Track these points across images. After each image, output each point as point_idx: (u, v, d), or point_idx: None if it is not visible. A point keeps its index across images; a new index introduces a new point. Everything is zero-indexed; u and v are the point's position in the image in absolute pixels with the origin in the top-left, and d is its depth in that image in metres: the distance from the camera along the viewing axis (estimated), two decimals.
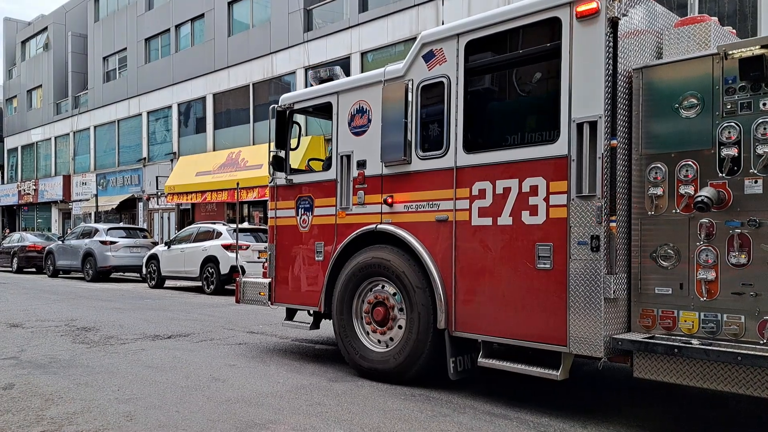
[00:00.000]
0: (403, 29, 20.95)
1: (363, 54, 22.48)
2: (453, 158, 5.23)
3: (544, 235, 4.58)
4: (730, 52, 4.06)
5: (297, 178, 6.84)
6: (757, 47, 3.95)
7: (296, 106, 6.92)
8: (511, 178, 4.79)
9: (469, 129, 5.19)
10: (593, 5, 4.38)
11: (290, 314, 6.99)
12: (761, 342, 3.80)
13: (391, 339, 5.69)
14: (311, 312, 6.69)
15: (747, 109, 3.99)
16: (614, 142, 4.34)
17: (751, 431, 4.51)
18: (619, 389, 5.74)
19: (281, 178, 6.94)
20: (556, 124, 4.58)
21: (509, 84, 5.31)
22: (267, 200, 7.60)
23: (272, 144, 6.92)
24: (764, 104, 3.91)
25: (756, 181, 3.92)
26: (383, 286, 5.80)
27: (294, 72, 24.63)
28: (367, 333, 5.92)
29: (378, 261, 5.73)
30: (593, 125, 4.36)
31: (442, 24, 5.56)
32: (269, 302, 7.00)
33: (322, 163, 7.00)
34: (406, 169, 5.60)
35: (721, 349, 3.83)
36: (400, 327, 5.62)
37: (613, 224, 4.31)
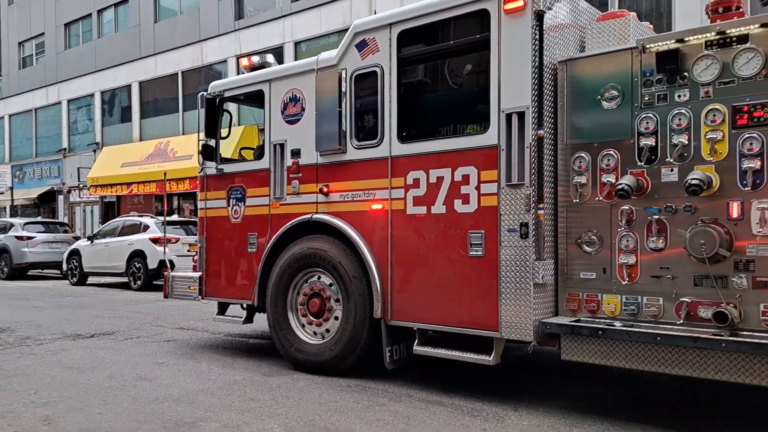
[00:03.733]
0: (336, 20, 20.80)
1: (296, 44, 22.19)
2: (388, 148, 5.24)
3: (476, 223, 4.67)
4: (648, 46, 4.25)
5: (228, 168, 6.68)
6: (673, 41, 4.16)
7: (227, 94, 6.75)
8: (444, 168, 4.86)
9: (403, 119, 5.21)
10: None
11: (222, 309, 6.83)
12: (678, 322, 4.01)
13: (327, 330, 5.66)
14: (244, 306, 6.57)
15: (663, 100, 4.19)
16: (541, 132, 4.47)
17: (668, 408, 4.78)
18: (549, 371, 5.95)
19: (211, 168, 6.76)
20: (486, 114, 4.67)
21: (442, 74, 5.37)
22: (197, 191, 7.39)
23: (202, 133, 6.73)
24: (679, 96, 4.12)
25: (672, 170, 4.13)
26: (319, 277, 5.76)
27: (225, 60, 24.02)
28: (303, 325, 5.87)
29: (314, 251, 5.69)
30: (521, 115, 4.47)
31: (375, 14, 5.58)
32: (200, 297, 6.82)
33: (254, 152, 6.86)
34: (342, 158, 5.57)
35: (641, 330, 4.04)
36: (336, 318, 5.60)
37: (541, 212, 4.44)
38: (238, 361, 6.30)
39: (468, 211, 4.71)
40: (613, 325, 4.18)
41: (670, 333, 3.90)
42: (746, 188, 3.82)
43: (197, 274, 6.85)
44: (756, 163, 3.77)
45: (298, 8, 22.11)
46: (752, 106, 3.81)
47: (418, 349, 5.05)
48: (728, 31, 3.92)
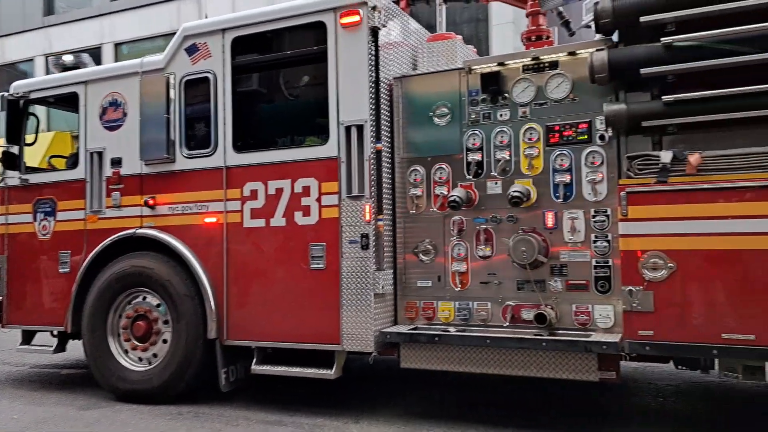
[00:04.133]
0: (162, 22, 19.68)
1: (117, 45, 20.62)
2: (222, 157, 5.01)
3: (317, 235, 4.62)
4: (474, 68, 4.56)
5: (35, 178, 5.94)
6: (495, 64, 4.50)
7: (33, 96, 6.01)
8: (284, 179, 4.75)
9: (239, 128, 5.02)
10: (356, 13, 4.56)
11: (28, 337, 6.05)
12: (504, 325, 4.31)
13: (155, 355, 5.21)
14: (55, 333, 5.86)
15: (488, 119, 4.51)
16: (379, 145, 4.56)
17: (501, 408, 5.11)
18: (390, 380, 6.06)
19: (14, 178, 5.96)
20: (325, 126, 4.66)
21: (279, 83, 5.27)
22: None
23: (2, 139, 5.90)
24: (501, 115, 4.46)
25: (496, 183, 4.45)
26: (145, 298, 5.30)
27: (32, 59, 21.54)
28: (126, 351, 5.34)
29: (139, 270, 5.22)
30: (360, 129, 4.53)
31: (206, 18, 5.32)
32: (0, 324, 5.94)
33: (66, 160, 6.18)
34: (171, 168, 5.21)
35: (473, 334, 4.27)
36: (165, 341, 5.17)
37: (381, 223, 4.52)
38: (49, 396, 5.58)
39: (309, 223, 4.65)
40: (448, 331, 4.37)
41: (498, 336, 4.17)
42: (559, 200, 4.23)
43: None
44: (567, 178, 4.20)
45: (119, 7, 20.59)
46: (562, 125, 4.24)
47: (256, 368, 4.85)
48: (542, 57, 4.33)
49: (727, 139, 3.76)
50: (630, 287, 3.83)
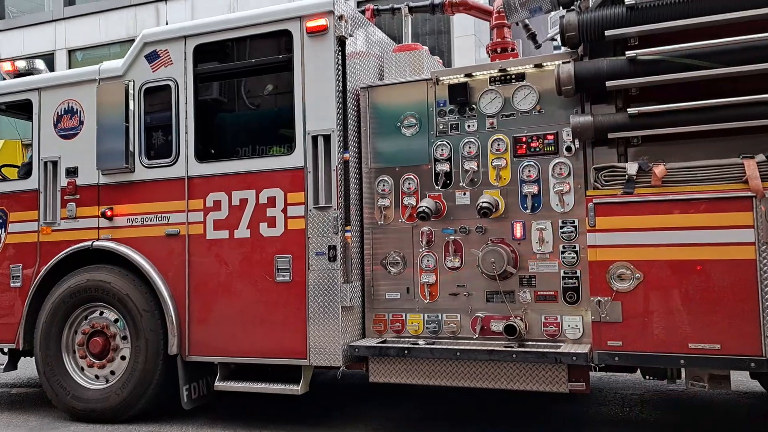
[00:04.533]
0: (118, 29, 19.23)
1: (71, 51, 20.04)
2: (184, 167, 4.86)
3: (283, 246, 4.52)
4: (441, 79, 4.55)
5: None
6: (462, 75, 4.50)
7: None
8: (248, 189, 4.64)
9: (202, 137, 4.89)
10: (322, 21, 4.51)
11: None
12: (474, 337, 4.28)
13: (112, 372, 5.00)
14: (5, 350, 5.58)
15: (456, 129, 4.50)
16: (347, 155, 4.50)
17: (468, 421, 5.08)
18: (358, 393, 5.96)
19: None
20: (291, 136, 4.58)
21: (244, 92, 5.17)
22: None
23: None
24: (469, 126, 4.46)
25: (465, 193, 4.43)
26: (102, 313, 5.08)
27: None
28: (82, 368, 5.12)
29: (95, 284, 5.01)
30: (327, 138, 4.46)
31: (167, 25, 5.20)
32: None
33: (18, 170, 5.91)
34: (129, 178, 5.03)
35: (443, 347, 4.22)
36: (123, 358, 4.97)
37: (348, 234, 4.45)
38: None
39: (274, 235, 4.55)
40: (417, 344, 4.31)
41: (469, 348, 4.13)
42: (527, 211, 4.24)
43: None
44: (534, 189, 4.21)
45: (73, 13, 20.03)
46: (529, 137, 4.26)
47: (219, 384, 4.70)
48: (508, 69, 4.35)
49: (690, 151, 3.84)
50: (598, 298, 3.86)
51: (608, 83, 3.87)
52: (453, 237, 4.43)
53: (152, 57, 5.07)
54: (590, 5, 4.05)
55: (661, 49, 3.76)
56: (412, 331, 4.50)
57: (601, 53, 4.02)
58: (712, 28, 3.67)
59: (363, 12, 5.84)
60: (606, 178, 3.95)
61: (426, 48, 5.37)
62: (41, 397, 5.59)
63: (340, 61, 4.53)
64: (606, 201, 3.88)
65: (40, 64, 6.01)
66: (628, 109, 3.87)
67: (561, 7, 4.19)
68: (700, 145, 3.84)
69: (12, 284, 5.39)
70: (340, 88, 4.51)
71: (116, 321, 5.03)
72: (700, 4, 3.70)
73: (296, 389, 4.45)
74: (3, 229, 5.49)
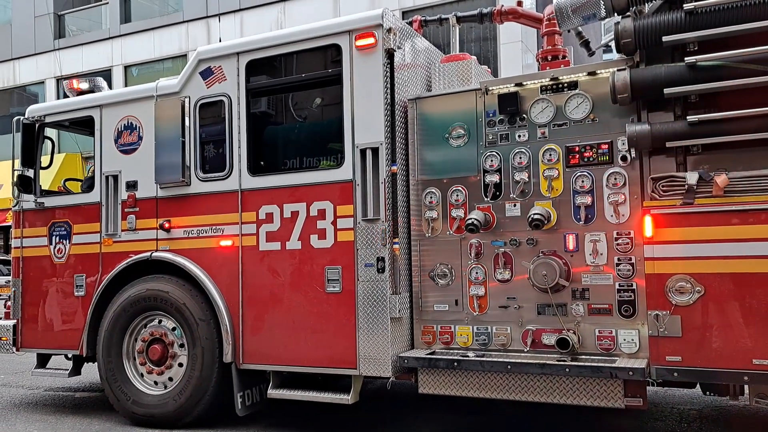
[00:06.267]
0: (171, 45, 19.87)
1: (127, 67, 20.81)
2: (237, 181, 4.98)
3: (333, 258, 4.57)
4: (491, 88, 4.51)
5: (50, 201, 5.94)
6: (512, 85, 4.46)
7: (48, 119, 6.03)
8: (299, 202, 4.72)
9: (254, 151, 5.01)
10: (371, 35, 4.54)
11: (43, 360, 6.02)
12: (525, 350, 4.22)
13: (171, 379, 5.16)
14: (70, 356, 5.82)
15: (506, 140, 4.45)
16: (394, 168, 4.52)
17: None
18: (407, 403, 5.96)
19: (29, 201, 5.96)
20: (341, 149, 4.63)
21: (293, 106, 5.26)
22: (10, 226, 6.46)
23: (17, 162, 5.92)
24: (519, 136, 4.41)
25: (515, 205, 4.38)
26: (160, 321, 5.25)
27: (43, 82, 21.79)
28: (142, 375, 5.30)
29: (154, 293, 5.18)
30: (375, 151, 4.49)
31: (220, 42, 5.35)
32: (13, 348, 5.93)
33: (81, 184, 6.18)
34: (186, 191, 5.19)
35: (493, 359, 4.17)
36: (180, 365, 5.12)
37: (396, 246, 4.47)
38: (64, 420, 5.53)
39: (324, 247, 4.61)
40: (467, 356, 4.28)
41: (520, 361, 4.08)
42: (580, 222, 4.16)
43: (11, 323, 5.94)
44: (587, 199, 4.13)
45: (129, 30, 20.80)
46: (582, 146, 4.18)
47: (272, 392, 4.78)
48: (561, 78, 4.29)
49: (753, 159, 3.69)
50: (656, 311, 3.75)
51: (666, 90, 3.75)
52: (503, 249, 4.38)
53: (206, 73, 5.22)
54: (647, 11, 3.95)
55: (722, 54, 3.64)
56: (461, 343, 4.47)
57: (658, 60, 3.91)
58: None
59: (410, 23, 5.88)
60: (664, 188, 3.84)
61: (474, 57, 5.34)
62: (103, 402, 5.81)
63: (388, 74, 4.56)
64: (665, 212, 3.77)
65: (101, 82, 6.27)
66: (688, 117, 3.75)
67: (616, 14, 4.10)
68: (763, 154, 3.67)
69: (76, 293, 5.63)
70: (389, 101, 4.54)
71: (174, 329, 5.18)
72: (763, 8, 3.57)
73: (347, 398, 4.48)
74: (68, 241, 5.75)
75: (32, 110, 6.12)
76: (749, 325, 3.53)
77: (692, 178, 3.72)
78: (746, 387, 3.87)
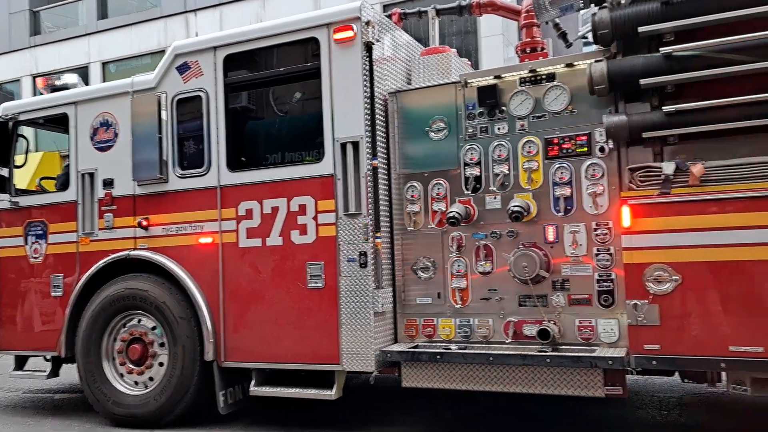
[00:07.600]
0: (150, 40, 19.64)
1: (104, 64, 20.54)
2: (216, 177, 4.93)
3: (314, 253, 4.55)
4: (470, 81, 4.51)
5: (25, 201, 5.84)
6: (491, 77, 4.46)
7: (23, 117, 5.92)
8: (279, 197, 4.68)
9: (233, 146, 4.96)
10: (350, 28, 4.51)
11: (21, 362, 5.93)
12: (506, 341, 4.23)
13: (151, 378, 5.10)
14: (48, 357, 5.73)
15: (485, 132, 4.46)
16: (375, 162, 4.51)
17: (500, 426, 5.02)
18: (390, 397, 5.96)
19: (4, 201, 5.85)
20: (320, 143, 4.60)
21: (274, 101, 5.21)
22: None
23: None
24: (499, 129, 4.41)
25: (495, 197, 4.39)
26: (140, 320, 5.19)
27: (19, 80, 21.41)
28: (122, 375, 5.23)
29: (133, 292, 5.12)
30: (356, 145, 4.47)
31: (197, 36, 5.30)
32: None
33: (56, 182, 6.08)
34: (164, 188, 5.13)
35: (475, 351, 4.19)
36: (161, 364, 5.06)
37: (379, 240, 4.45)
38: (44, 422, 5.46)
39: (306, 242, 4.58)
40: (450, 349, 4.29)
41: (502, 352, 4.10)
42: (559, 213, 4.18)
43: None
44: (567, 191, 4.15)
45: (106, 26, 20.53)
46: (561, 138, 4.20)
47: (255, 390, 4.76)
48: (539, 70, 4.29)
49: (729, 148, 3.72)
50: (635, 301, 3.78)
51: (643, 81, 3.77)
52: (484, 242, 4.39)
53: (183, 68, 5.15)
54: (623, 2, 3.96)
55: (698, 44, 3.66)
56: (444, 336, 4.47)
57: (635, 51, 3.92)
58: (750, 21, 3.55)
59: (389, 16, 5.84)
60: (641, 179, 3.87)
61: (454, 50, 5.33)
62: (83, 403, 5.73)
63: (367, 67, 4.53)
64: (642, 202, 3.80)
65: (75, 78, 6.16)
66: (665, 107, 3.77)
67: (593, 5, 4.11)
68: (738, 143, 3.71)
69: (53, 293, 5.54)
70: (368, 94, 4.51)
71: (154, 328, 5.12)
72: None
73: (330, 394, 4.47)
74: (44, 240, 5.65)
75: (6, 108, 6.00)
76: (726, 312, 3.57)
77: (669, 168, 3.75)
78: (723, 374, 3.92)
